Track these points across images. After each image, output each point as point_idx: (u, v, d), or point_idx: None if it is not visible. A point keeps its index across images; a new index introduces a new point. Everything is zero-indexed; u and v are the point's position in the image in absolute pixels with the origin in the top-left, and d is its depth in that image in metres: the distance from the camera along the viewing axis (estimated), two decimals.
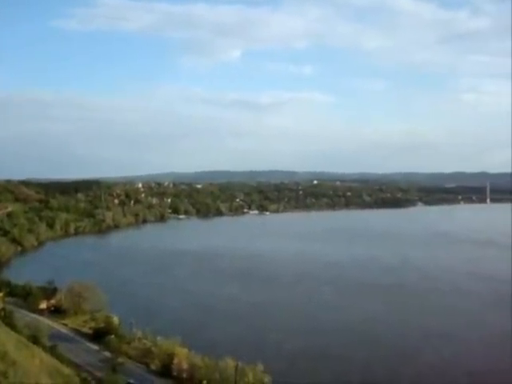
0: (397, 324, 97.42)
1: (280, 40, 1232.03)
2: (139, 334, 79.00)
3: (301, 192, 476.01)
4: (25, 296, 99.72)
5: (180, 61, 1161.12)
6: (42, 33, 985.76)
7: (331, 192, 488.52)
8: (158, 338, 74.38)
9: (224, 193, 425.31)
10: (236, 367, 60.47)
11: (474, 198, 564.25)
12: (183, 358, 66.59)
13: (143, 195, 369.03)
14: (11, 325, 73.59)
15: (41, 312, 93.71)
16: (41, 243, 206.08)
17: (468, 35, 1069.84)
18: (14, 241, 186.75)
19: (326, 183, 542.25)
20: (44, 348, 67.31)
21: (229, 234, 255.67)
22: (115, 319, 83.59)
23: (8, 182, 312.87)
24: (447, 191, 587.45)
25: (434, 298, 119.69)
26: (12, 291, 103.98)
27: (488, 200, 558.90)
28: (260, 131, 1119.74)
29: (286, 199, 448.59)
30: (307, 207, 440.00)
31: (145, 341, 76.47)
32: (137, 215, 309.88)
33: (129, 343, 76.28)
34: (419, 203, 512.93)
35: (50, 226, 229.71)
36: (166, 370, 66.71)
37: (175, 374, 65.88)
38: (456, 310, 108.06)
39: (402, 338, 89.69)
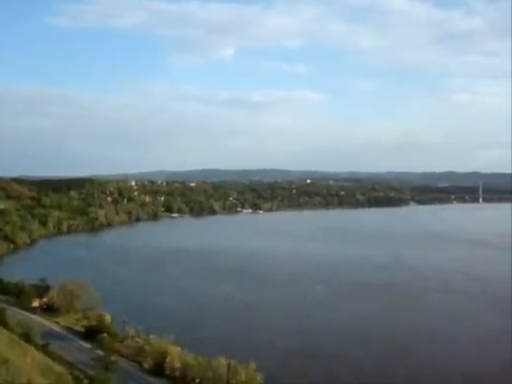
0: (389, 323, 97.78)
1: (273, 38, 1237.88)
2: (132, 332, 79.02)
3: (294, 191, 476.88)
4: (17, 294, 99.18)
5: (172, 59, 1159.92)
6: (33, 29, 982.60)
7: (324, 191, 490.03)
8: (151, 336, 74.28)
9: (217, 191, 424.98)
10: (229, 366, 60.63)
11: (466, 197, 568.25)
12: (176, 356, 66.50)
13: (136, 193, 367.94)
14: (3, 323, 73.41)
15: (33, 310, 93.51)
16: (33, 241, 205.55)
17: (461, 35, 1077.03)
18: (7, 238, 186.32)
19: (319, 182, 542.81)
20: (36, 346, 67.12)
21: (222, 233, 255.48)
22: (108, 317, 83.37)
23: (0, 179, 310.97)
24: (440, 190, 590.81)
25: (426, 298, 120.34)
26: (4, 289, 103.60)
27: (480, 199, 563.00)
28: (253, 130, 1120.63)
29: (279, 198, 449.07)
30: (300, 206, 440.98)
31: (137, 339, 76.48)
32: (130, 213, 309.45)
33: (121, 341, 76.20)
34: (412, 202, 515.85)
35: (43, 223, 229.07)
36: (158, 369, 66.62)
37: (168, 372, 65.86)
38: (448, 310, 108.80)
39: (395, 337, 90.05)
